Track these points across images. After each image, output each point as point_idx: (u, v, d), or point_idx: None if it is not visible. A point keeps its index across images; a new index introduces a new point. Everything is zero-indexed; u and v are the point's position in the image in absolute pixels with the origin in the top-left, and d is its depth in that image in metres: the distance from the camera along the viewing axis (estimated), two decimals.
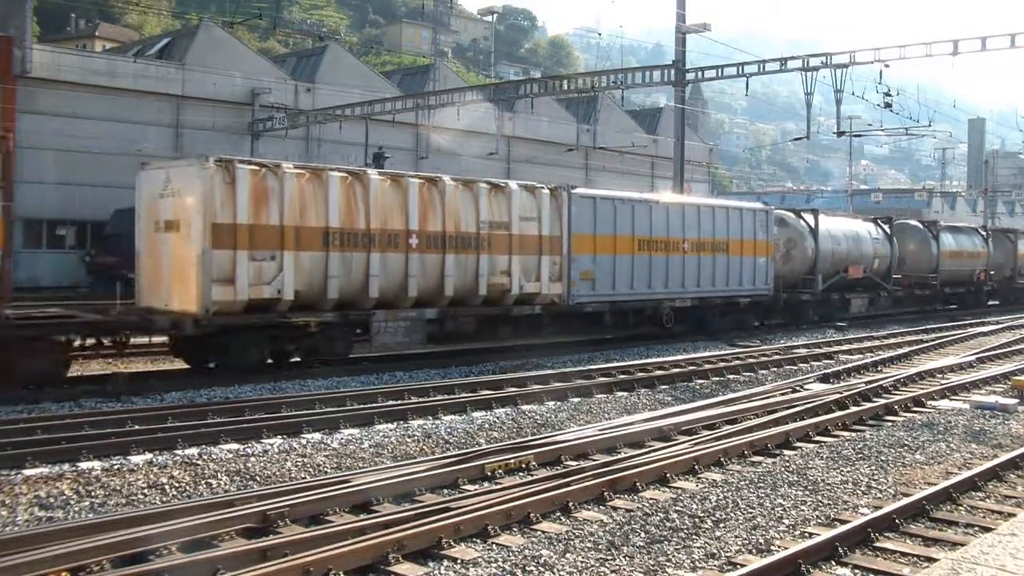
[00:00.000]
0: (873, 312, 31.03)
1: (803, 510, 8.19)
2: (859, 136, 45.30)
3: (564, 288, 19.28)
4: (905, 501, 8.12)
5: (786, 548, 6.96)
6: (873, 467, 9.81)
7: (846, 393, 13.81)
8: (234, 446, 10.40)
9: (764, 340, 23.10)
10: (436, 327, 17.43)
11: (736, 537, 7.38)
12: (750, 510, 8.13)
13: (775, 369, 18.03)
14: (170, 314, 14.81)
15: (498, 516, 7.49)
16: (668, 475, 9.14)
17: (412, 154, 42.08)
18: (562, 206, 19.26)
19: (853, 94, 27.31)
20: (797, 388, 14.89)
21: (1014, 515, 7.84)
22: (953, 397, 14.52)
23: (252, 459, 9.82)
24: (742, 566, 6.50)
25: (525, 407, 13.22)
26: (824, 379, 15.94)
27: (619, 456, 10.08)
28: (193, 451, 10.11)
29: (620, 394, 14.69)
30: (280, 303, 15.01)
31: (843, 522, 7.68)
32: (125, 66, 35.32)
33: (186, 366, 16.37)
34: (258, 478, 9.15)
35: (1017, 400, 13.98)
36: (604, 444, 10.59)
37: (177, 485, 8.80)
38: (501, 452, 9.81)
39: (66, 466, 9.30)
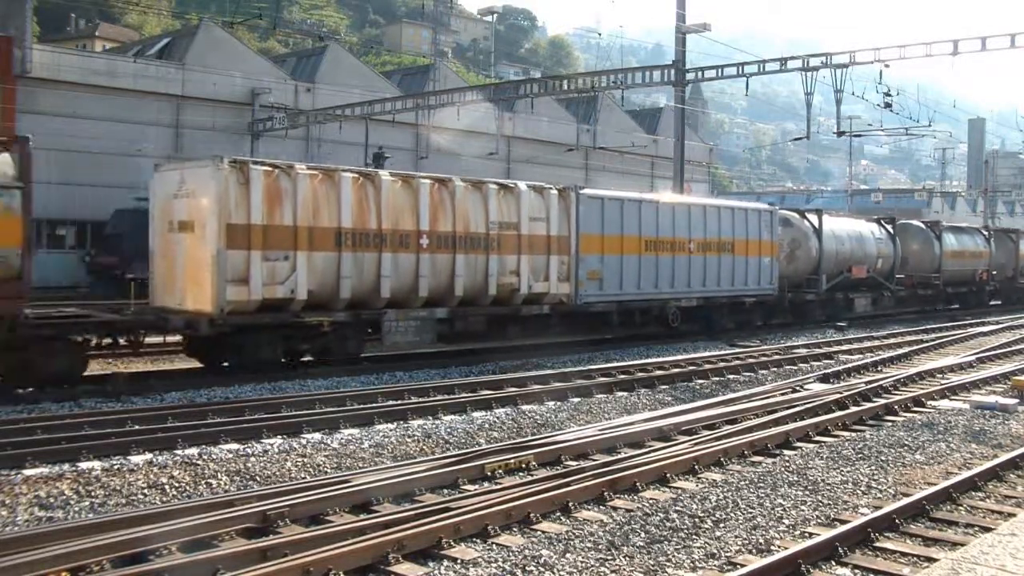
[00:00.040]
0: (876, 312, 31.11)
1: (803, 510, 8.19)
2: (859, 136, 45.27)
3: (572, 288, 19.38)
4: (905, 501, 8.12)
5: (786, 548, 6.96)
6: (873, 467, 9.81)
7: (846, 393, 13.81)
8: (234, 446, 10.40)
9: (764, 340, 23.11)
10: (446, 326, 17.54)
11: (736, 537, 7.38)
12: (750, 510, 8.13)
13: (775, 369, 18.03)
14: (185, 314, 14.94)
15: (498, 516, 7.49)
16: (668, 475, 9.14)
17: (412, 154, 42.10)
18: (570, 206, 19.36)
19: (853, 94, 27.33)
20: (797, 388, 14.89)
21: (1014, 515, 7.84)
22: (953, 397, 14.52)
23: (252, 459, 9.82)
24: (742, 566, 6.50)
25: (525, 407, 13.22)
26: (824, 379, 15.94)
27: (619, 456, 10.08)
28: (193, 451, 10.11)
29: (620, 394, 14.69)
30: (293, 303, 15.11)
31: (843, 522, 7.68)
32: (125, 66, 35.34)
33: (184, 366, 16.39)
34: (258, 478, 9.15)
35: (1017, 400, 13.98)
36: (604, 444, 10.59)
37: (177, 485, 8.80)
38: (501, 452, 9.81)
39: (66, 466, 9.30)
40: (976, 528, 7.72)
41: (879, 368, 18.08)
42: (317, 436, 11.02)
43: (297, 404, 12.73)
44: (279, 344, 15.50)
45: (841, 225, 29.72)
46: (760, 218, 24.70)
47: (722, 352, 19.90)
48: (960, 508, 8.38)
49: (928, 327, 27.63)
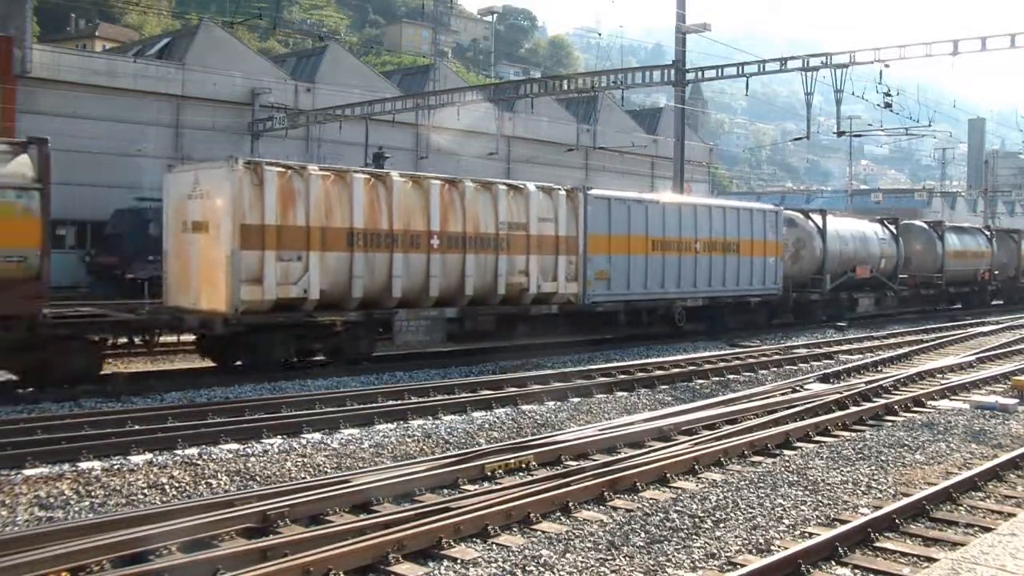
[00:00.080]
0: (879, 311, 31.19)
1: (803, 510, 8.19)
2: (859, 136, 45.29)
3: (580, 287, 19.45)
4: (905, 501, 8.12)
5: (786, 548, 6.96)
6: (873, 467, 9.81)
7: (846, 393, 13.81)
8: (234, 446, 10.40)
9: (764, 340, 23.13)
10: (456, 326, 17.64)
11: (736, 537, 7.38)
12: (750, 510, 8.13)
13: (775, 369, 18.03)
14: (199, 313, 15.03)
15: (498, 516, 7.49)
16: (668, 475, 9.14)
17: (412, 154, 42.08)
18: (578, 207, 19.43)
19: (853, 94, 27.33)
20: (797, 388, 14.90)
21: (1014, 515, 7.84)
22: (953, 397, 14.52)
23: (252, 459, 9.82)
24: (742, 566, 6.50)
25: (525, 407, 13.22)
26: (824, 379, 15.95)
27: (619, 456, 10.08)
28: (193, 451, 10.11)
29: (620, 394, 14.69)
30: (306, 302, 15.19)
31: (843, 522, 7.68)
32: (125, 66, 35.31)
33: (184, 366, 16.39)
34: (258, 478, 9.15)
35: (1017, 400, 13.98)
36: (604, 444, 10.59)
37: (177, 485, 8.80)
38: (501, 452, 9.81)
39: (66, 466, 9.30)
40: (976, 528, 7.72)
41: (879, 368, 18.08)
42: (317, 436, 11.02)
43: (297, 404, 12.73)
44: (292, 343, 15.61)
45: (845, 225, 29.81)
46: (765, 218, 24.80)
47: (722, 352, 19.91)
48: (960, 508, 8.38)
49: (928, 327, 27.64)
